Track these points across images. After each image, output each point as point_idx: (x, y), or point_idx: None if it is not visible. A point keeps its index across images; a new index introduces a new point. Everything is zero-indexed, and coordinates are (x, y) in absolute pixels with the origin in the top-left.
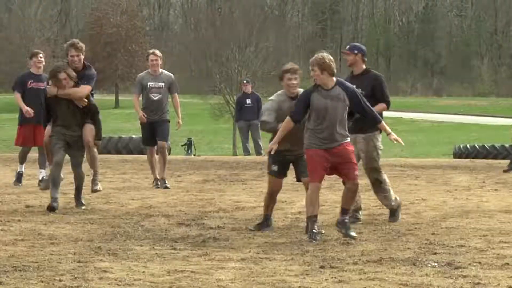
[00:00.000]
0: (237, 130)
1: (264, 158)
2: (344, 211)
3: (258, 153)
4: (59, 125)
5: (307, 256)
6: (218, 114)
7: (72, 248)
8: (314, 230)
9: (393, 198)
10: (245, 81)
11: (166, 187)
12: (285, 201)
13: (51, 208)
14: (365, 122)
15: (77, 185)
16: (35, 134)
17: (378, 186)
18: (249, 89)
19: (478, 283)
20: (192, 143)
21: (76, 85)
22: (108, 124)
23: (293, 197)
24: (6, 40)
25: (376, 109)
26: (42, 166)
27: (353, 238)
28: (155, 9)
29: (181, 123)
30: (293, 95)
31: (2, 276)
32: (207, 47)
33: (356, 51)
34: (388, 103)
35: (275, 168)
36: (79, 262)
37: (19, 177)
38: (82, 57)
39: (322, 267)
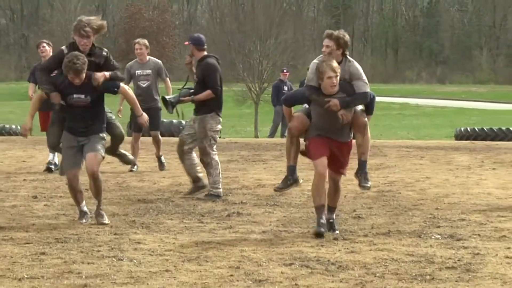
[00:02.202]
0: (258, 115)
1: (283, 140)
2: (329, 209)
3: (284, 135)
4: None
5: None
6: (241, 100)
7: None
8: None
9: (216, 186)
10: (284, 70)
11: (162, 164)
12: (302, 179)
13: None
14: (201, 104)
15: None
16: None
17: (205, 166)
18: (286, 77)
19: (478, 254)
20: None
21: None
22: None
23: (309, 175)
24: (49, 34)
25: (202, 95)
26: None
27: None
28: (184, 5)
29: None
30: None
31: (46, 247)
32: (231, 39)
33: (190, 42)
34: (214, 90)
35: (306, 106)
36: (115, 234)
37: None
38: None
39: (335, 239)
